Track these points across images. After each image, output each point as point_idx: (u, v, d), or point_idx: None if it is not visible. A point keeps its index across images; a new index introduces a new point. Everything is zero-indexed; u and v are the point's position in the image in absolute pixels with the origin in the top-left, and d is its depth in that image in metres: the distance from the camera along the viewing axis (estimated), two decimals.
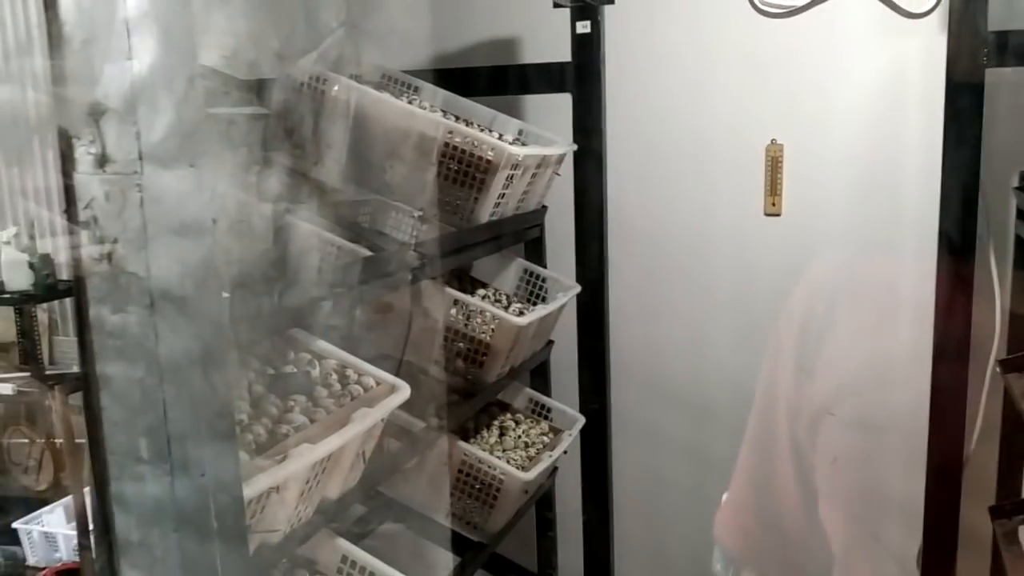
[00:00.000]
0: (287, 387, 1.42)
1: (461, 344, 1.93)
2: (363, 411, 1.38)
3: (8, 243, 3.20)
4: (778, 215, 2.36)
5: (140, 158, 0.76)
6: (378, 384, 1.49)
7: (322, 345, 1.50)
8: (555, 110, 2.33)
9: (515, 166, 1.88)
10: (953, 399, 1.88)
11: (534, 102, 2.50)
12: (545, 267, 2.34)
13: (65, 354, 3.79)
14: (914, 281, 2.21)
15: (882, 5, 1.55)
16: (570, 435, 2.24)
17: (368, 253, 1.63)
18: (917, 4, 1.55)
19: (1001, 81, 1.91)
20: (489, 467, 1.96)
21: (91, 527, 2.49)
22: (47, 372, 3.45)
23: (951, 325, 1.88)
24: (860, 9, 1.62)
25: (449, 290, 1.92)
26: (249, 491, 1.10)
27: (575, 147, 2.24)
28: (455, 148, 1.84)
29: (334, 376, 1.48)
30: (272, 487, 1.16)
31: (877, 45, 2.18)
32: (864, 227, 2.29)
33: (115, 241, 0.77)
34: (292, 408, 1.38)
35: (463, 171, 1.85)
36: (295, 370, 1.45)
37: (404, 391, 1.47)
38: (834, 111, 2.27)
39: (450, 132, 1.83)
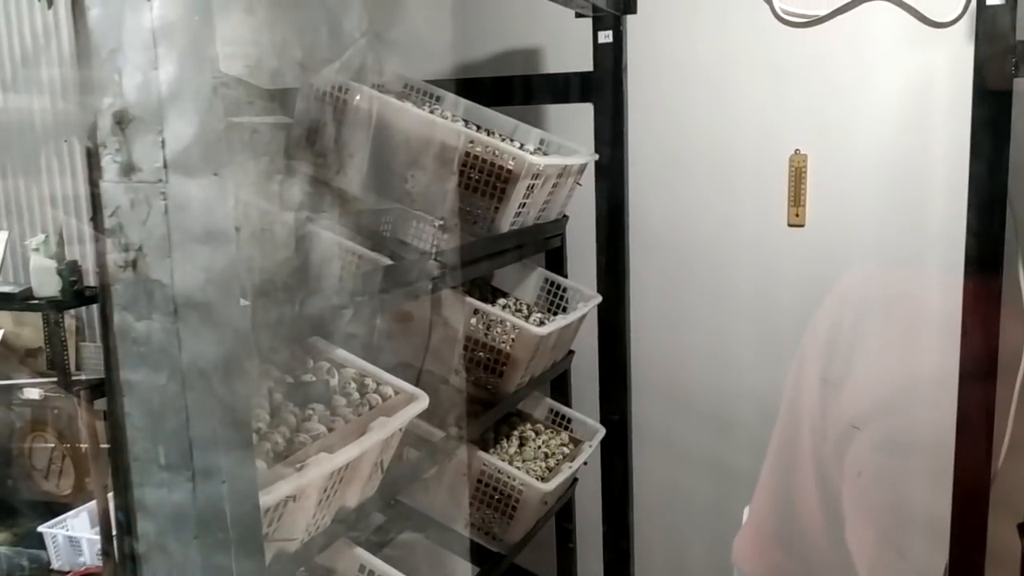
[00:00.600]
0: (306, 396, 1.42)
1: (481, 353, 1.93)
2: (381, 420, 1.38)
3: (37, 250, 3.24)
4: (801, 226, 2.35)
5: (165, 166, 0.76)
6: (397, 393, 1.50)
7: (341, 354, 1.50)
8: (577, 119, 2.33)
9: (536, 176, 1.88)
10: (980, 415, 1.85)
11: (556, 111, 2.50)
12: (566, 277, 2.34)
13: (91, 360, 3.83)
14: (941, 295, 2.19)
15: (908, 15, 1.54)
16: (590, 446, 2.24)
17: (389, 262, 1.64)
18: (943, 13, 1.53)
19: None
20: (508, 477, 1.96)
21: (114, 532, 2.51)
22: (73, 378, 3.48)
23: (978, 340, 1.86)
24: (886, 18, 1.60)
25: (469, 299, 1.92)
26: (267, 499, 1.10)
27: (596, 157, 2.24)
28: (476, 157, 1.84)
29: (353, 385, 1.48)
30: (290, 495, 1.16)
31: (903, 54, 2.16)
32: (889, 239, 2.27)
33: (140, 249, 0.78)
34: (310, 417, 1.38)
35: (484, 180, 1.85)
36: (314, 379, 1.46)
37: (422, 400, 1.47)
38: (859, 121, 2.25)
39: (471, 141, 1.83)
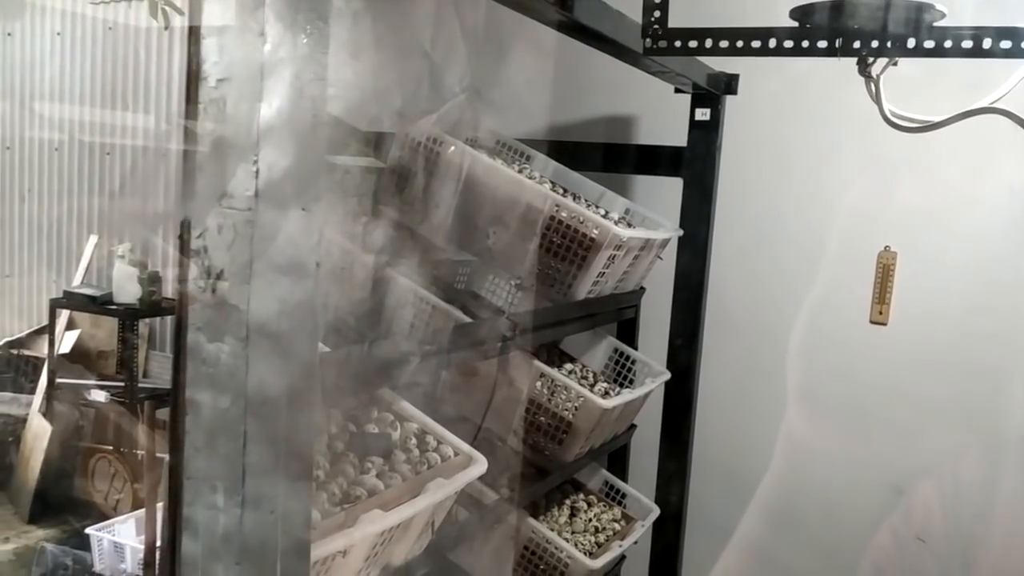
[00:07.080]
0: (367, 447, 1.39)
1: (543, 418, 1.91)
2: (439, 481, 1.35)
3: (122, 256, 3.38)
4: (884, 324, 2.27)
5: (256, 196, 0.78)
6: (456, 454, 1.46)
7: (405, 407, 1.48)
8: (664, 190, 2.32)
9: (618, 247, 1.87)
10: None
11: (644, 181, 2.49)
12: (636, 348, 2.30)
13: (159, 369, 3.93)
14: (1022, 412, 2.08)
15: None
16: (643, 526, 2.17)
17: (461, 314, 1.63)
18: None
19: None
20: (556, 549, 1.90)
21: (158, 545, 2.52)
22: (140, 385, 3.57)
23: None
24: (996, 125, 1.56)
25: (536, 362, 1.90)
26: (316, 552, 1.08)
27: (681, 232, 2.21)
28: (560, 222, 1.84)
29: (413, 440, 1.46)
30: (340, 551, 1.14)
31: (1009, 163, 2.09)
32: (973, 347, 2.17)
33: (221, 272, 0.79)
34: (368, 470, 1.35)
35: (566, 246, 1.85)
36: (376, 431, 1.44)
37: (481, 465, 1.43)
38: (955, 225, 2.18)
39: (557, 206, 1.84)
